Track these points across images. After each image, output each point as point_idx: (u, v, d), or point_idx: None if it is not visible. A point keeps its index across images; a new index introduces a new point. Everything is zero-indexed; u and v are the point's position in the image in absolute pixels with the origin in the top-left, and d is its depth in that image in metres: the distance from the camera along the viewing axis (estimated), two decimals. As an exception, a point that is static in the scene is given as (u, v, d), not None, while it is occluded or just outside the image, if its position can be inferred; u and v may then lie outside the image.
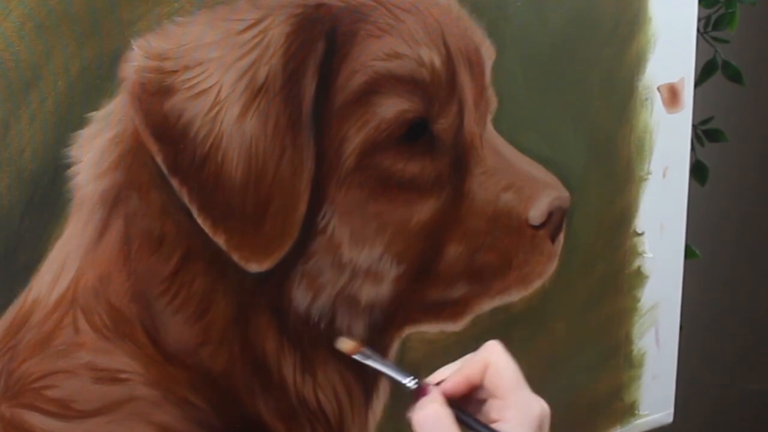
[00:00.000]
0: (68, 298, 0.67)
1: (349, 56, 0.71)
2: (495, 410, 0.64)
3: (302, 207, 0.71)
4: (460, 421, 0.63)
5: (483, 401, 0.66)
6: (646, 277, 0.99)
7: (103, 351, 0.69)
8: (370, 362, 0.71)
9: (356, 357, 0.72)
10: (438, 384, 0.65)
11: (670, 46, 0.92)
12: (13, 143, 0.62)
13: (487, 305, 0.84)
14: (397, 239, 0.76)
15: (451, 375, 0.66)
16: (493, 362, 0.65)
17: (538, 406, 0.64)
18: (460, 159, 0.78)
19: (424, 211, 0.77)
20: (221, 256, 0.69)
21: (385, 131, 0.73)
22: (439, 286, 0.80)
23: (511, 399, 0.64)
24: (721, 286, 1.48)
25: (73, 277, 0.67)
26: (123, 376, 0.69)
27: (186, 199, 0.68)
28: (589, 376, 0.98)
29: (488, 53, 0.80)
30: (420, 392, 0.65)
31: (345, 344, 0.74)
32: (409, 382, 0.67)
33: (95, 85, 0.64)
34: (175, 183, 0.67)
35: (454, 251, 0.79)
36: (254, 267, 0.70)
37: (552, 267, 0.86)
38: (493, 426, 0.63)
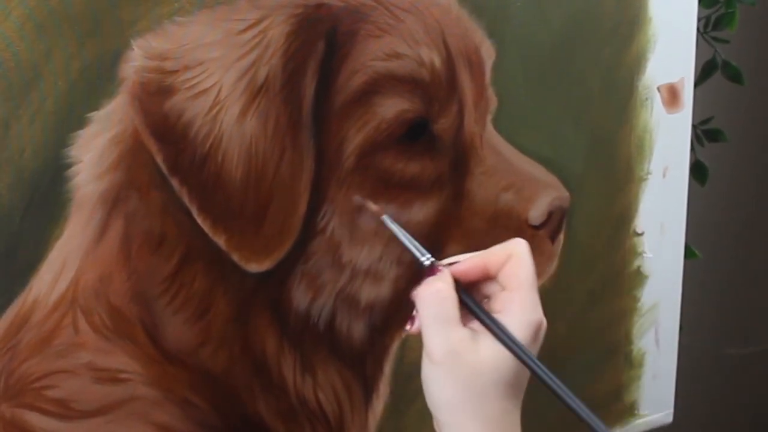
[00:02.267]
0: (68, 298, 0.67)
1: (349, 56, 0.71)
2: (500, 302, 0.63)
3: (302, 207, 0.71)
4: (463, 303, 0.63)
5: (489, 296, 0.65)
6: (646, 277, 0.99)
7: (103, 351, 0.69)
8: (394, 227, 0.70)
9: (384, 218, 0.70)
10: (451, 265, 0.65)
11: (670, 46, 0.92)
12: (13, 143, 0.62)
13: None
14: (396, 239, 0.76)
15: (469, 258, 0.65)
16: (517, 254, 0.64)
17: (541, 315, 0.63)
18: (460, 159, 0.78)
19: (424, 211, 0.77)
20: (221, 256, 0.69)
21: (385, 131, 0.73)
22: (439, 286, 0.80)
23: (520, 294, 0.62)
24: (721, 286, 1.48)
25: (73, 277, 0.67)
26: (123, 376, 0.69)
27: (186, 199, 0.68)
28: (589, 376, 0.98)
29: (488, 53, 0.80)
30: (432, 271, 0.65)
31: (372, 206, 0.73)
32: (425, 260, 0.66)
33: (95, 85, 0.64)
34: (175, 183, 0.67)
35: (454, 251, 0.79)
36: (254, 267, 0.71)
37: (552, 267, 0.86)
38: (495, 316, 0.62)
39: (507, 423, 0.62)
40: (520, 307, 0.62)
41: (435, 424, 0.64)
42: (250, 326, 0.73)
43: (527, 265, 0.63)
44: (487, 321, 0.62)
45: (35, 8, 0.61)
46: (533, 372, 0.62)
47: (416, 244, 0.67)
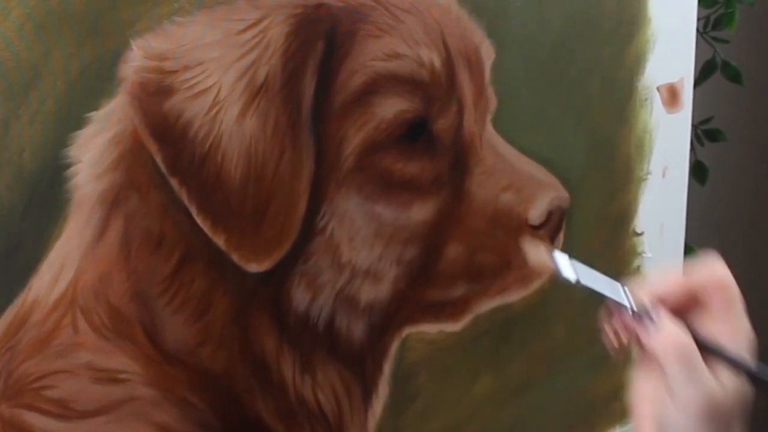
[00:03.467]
0: (68, 298, 0.67)
1: (348, 56, 0.71)
2: (706, 326, 0.59)
3: (302, 207, 0.71)
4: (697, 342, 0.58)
5: (691, 317, 0.60)
6: (646, 277, 0.99)
7: (103, 351, 0.69)
8: (590, 284, 0.63)
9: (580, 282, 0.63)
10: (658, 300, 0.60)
11: (669, 46, 0.92)
12: (12, 143, 0.62)
13: (486, 305, 0.84)
14: (396, 239, 0.76)
15: (668, 285, 0.61)
16: (719, 275, 0.60)
17: (750, 330, 0.60)
18: (459, 159, 0.78)
19: (423, 211, 0.77)
20: (221, 256, 0.69)
21: (385, 131, 0.73)
22: (439, 286, 0.80)
23: (731, 316, 0.59)
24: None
25: (72, 277, 0.67)
26: (122, 376, 0.69)
27: (185, 199, 0.68)
28: (589, 376, 0.98)
29: (488, 53, 0.80)
30: (645, 315, 0.59)
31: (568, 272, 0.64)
32: (627, 302, 0.60)
33: (95, 85, 0.64)
34: (174, 183, 0.67)
35: (453, 251, 0.79)
36: (254, 267, 0.70)
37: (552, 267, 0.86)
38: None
39: None
40: (734, 331, 0.59)
41: None
42: (249, 326, 0.73)
43: (733, 284, 0.60)
44: (749, 369, 0.58)
45: (35, 8, 0.61)
46: None
47: (623, 293, 0.61)
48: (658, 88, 0.93)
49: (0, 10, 0.60)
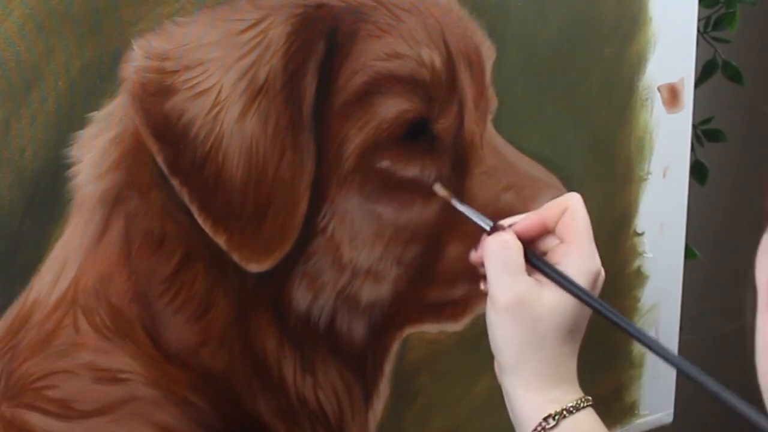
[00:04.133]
0: (69, 298, 0.67)
1: (349, 56, 0.71)
2: (559, 253, 0.67)
3: (302, 207, 0.71)
4: (527, 260, 0.66)
5: (547, 250, 0.68)
6: (646, 277, 0.99)
7: (104, 351, 0.69)
8: (462, 208, 0.73)
9: (453, 202, 0.74)
10: (512, 225, 0.68)
11: (670, 46, 0.92)
12: (14, 143, 0.62)
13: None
14: (397, 239, 0.76)
15: (526, 216, 0.69)
16: (572, 206, 0.68)
17: (599, 264, 0.67)
18: (460, 159, 0.78)
19: (424, 211, 0.77)
20: (222, 256, 0.69)
21: (386, 131, 0.73)
22: (440, 286, 0.80)
23: (578, 245, 0.66)
24: (721, 286, 1.48)
25: (73, 277, 0.67)
26: (123, 376, 0.69)
27: (186, 199, 0.68)
28: (589, 376, 0.98)
29: (488, 53, 0.80)
30: (494, 232, 0.68)
31: (441, 190, 0.75)
32: (487, 226, 0.69)
33: (96, 85, 0.64)
34: (175, 183, 0.67)
35: (454, 251, 0.79)
36: (255, 267, 0.71)
37: (552, 267, 0.86)
38: (555, 266, 0.66)
39: (564, 365, 0.66)
40: (578, 257, 0.66)
41: (496, 366, 0.69)
42: (250, 326, 0.73)
43: (582, 217, 0.67)
44: (549, 271, 0.66)
45: (36, 8, 0.61)
46: (598, 311, 0.65)
47: (481, 216, 0.71)
48: (658, 88, 0.93)
49: (1, 10, 0.60)
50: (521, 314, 0.65)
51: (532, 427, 0.65)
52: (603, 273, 0.67)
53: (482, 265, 0.68)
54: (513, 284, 0.65)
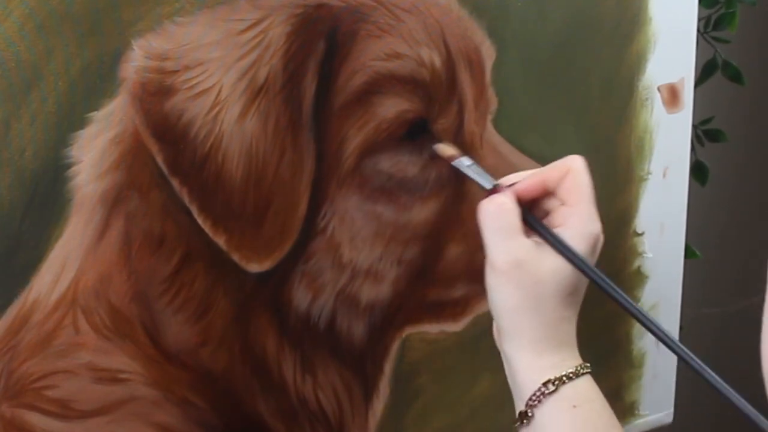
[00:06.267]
0: (69, 298, 0.67)
1: (349, 56, 0.71)
2: (560, 216, 0.66)
3: (302, 207, 0.71)
4: (525, 221, 0.65)
5: (549, 211, 0.67)
6: (646, 277, 0.99)
7: (104, 351, 0.69)
8: (465, 169, 0.72)
9: (454, 164, 0.72)
10: (512, 185, 0.67)
11: (670, 46, 0.92)
12: (13, 143, 0.62)
13: (487, 305, 0.84)
14: (397, 239, 0.76)
15: (528, 176, 0.67)
16: (575, 169, 0.66)
17: (599, 226, 0.66)
18: (460, 159, 0.78)
19: (424, 211, 0.77)
20: (222, 257, 0.69)
21: (386, 131, 0.73)
22: (440, 286, 0.80)
23: (579, 208, 0.65)
24: (721, 286, 1.48)
25: (73, 277, 0.67)
26: (123, 376, 0.69)
27: (186, 200, 0.68)
28: (589, 376, 0.98)
29: (488, 53, 0.80)
30: (493, 192, 0.67)
31: (447, 150, 0.74)
32: (488, 185, 0.68)
33: (96, 85, 0.64)
34: (175, 183, 0.67)
35: (454, 251, 0.79)
36: (255, 267, 0.71)
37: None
38: (555, 230, 0.65)
39: (563, 329, 0.65)
40: (578, 220, 0.65)
41: (494, 330, 0.68)
42: (250, 326, 0.73)
43: (584, 179, 0.66)
44: (547, 234, 0.65)
45: (36, 8, 0.61)
46: (591, 279, 0.64)
47: (484, 174, 0.70)
48: (658, 88, 0.93)
49: (1, 10, 0.60)
50: (520, 277, 0.64)
51: (532, 391, 0.64)
52: (602, 237, 0.66)
53: None
54: (511, 247, 0.64)
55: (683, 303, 1.03)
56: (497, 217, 0.65)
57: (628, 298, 0.64)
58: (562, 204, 0.66)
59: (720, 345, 1.48)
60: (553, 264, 0.64)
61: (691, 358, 0.62)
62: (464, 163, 0.72)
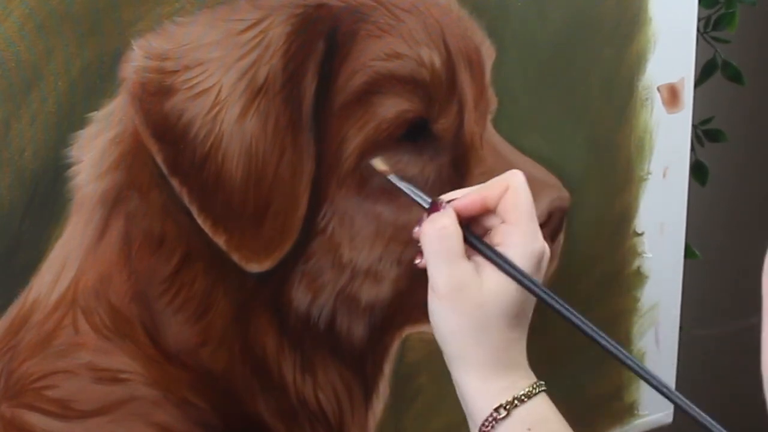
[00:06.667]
0: (68, 298, 0.67)
1: (349, 56, 0.71)
2: (500, 234, 0.65)
3: (302, 207, 0.71)
4: (466, 241, 0.64)
5: (489, 229, 0.66)
6: (646, 277, 0.99)
7: (104, 351, 0.69)
8: (399, 184, 0.70)
9: (390, 177, 0.71)
10: (451, 201, 0.66)
11: (670, 46, 0.92)
12: (13, 143, 0.62)
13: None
14: (397, 239, 0.76)
15: (467, 193, 0.66)
16: (514, 186, 0.65)
17: (542, 243, 0.64)
18: (460, 159, 0.78)
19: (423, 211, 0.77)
20: (222, 257, 0.69)
21: (386, 131, 0.73)
22: (440, 286, 0.80)
23: (520, 226, 0.64)
24: (721, 286, 1.48)
25: (73, 277, 0.67)
26: (123, 376, 0.69)
27: (186, 200, 0.68)
28: (589, 376, 0.98)
29: (488, 53, 0.80)
30: (433, 209, 0.66)
31: (380, 164, 0.72)
32: (425, 203, 0.67)
33: (96, 85, 0.64)
34: (175, 183, 0.67)
35: (454, 251, 0.78)
36: (254, 267, 0.71)
37: (552, 267, 0.86)
38: (497, 248, 0.64)
39: (512, 351, 0.64)
40: (520, 238, 0.64)
41: (445, 358, 0.66)
42: (250, 326, 0.73)
43: (524, 196, 0.65)
44: (488, 253, 0.63)
45: (36, 8, 0.61)
46: (538, 296, 0.63)
47: (419, 192, 0.69)
48: (658, 88, 0.93)
49: (1, 10, 0.60)
50: (462, 301, 0.63)
51: (484, 418, 0.63)
52: (548, 252, 0.65)
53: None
54: (452, 271, 0.63)
55: (683, 303, 1.03)
56: (438, 241, 0.63)
57: (577, 314, 0.63)
58: (503, 222, 0.65)
59: (720, 345, 1.48)
60: (495, 286, 0.63)
61: (641, 367, 0.63)
62: (399, 180, 0.71)
